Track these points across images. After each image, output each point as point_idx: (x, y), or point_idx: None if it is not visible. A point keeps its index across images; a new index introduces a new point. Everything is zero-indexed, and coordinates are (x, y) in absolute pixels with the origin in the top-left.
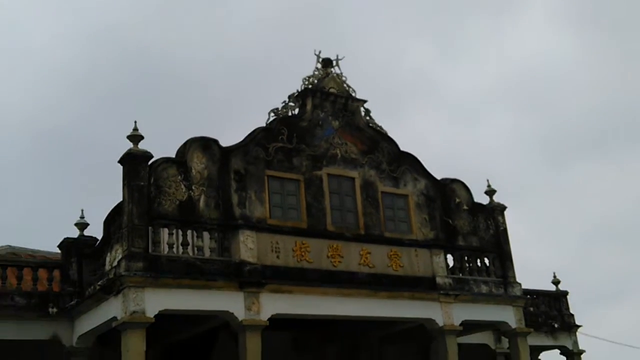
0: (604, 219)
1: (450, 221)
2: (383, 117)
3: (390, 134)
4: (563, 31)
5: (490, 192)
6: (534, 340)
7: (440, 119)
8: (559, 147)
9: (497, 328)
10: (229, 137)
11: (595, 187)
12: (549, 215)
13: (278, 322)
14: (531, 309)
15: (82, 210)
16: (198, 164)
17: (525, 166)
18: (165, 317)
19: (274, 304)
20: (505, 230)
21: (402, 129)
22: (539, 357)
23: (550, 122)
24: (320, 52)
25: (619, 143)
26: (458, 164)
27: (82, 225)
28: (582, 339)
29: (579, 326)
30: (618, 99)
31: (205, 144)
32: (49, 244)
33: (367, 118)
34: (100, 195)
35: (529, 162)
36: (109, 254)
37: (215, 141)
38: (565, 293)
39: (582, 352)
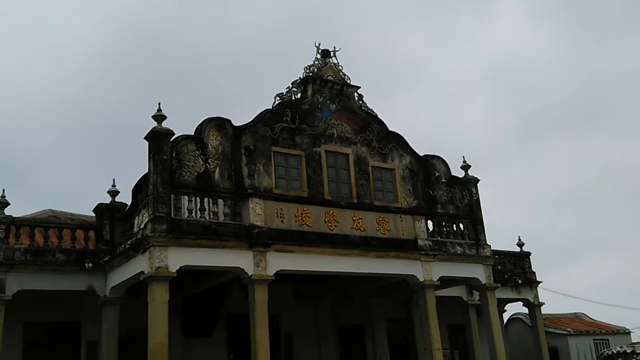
0: (567, 188)
1: (430, 192)
2: (376, 98)
3: (380, 116)
4: (539, 24)
5: (465, 167)
6: (501, 293)
7: (426, 101)
8: (529, 126)
9: (470, 283)
10: (241, 117)
11: (559, 160)
12: (519, 185)
13: (282, 277)
14: (499, 267)
15: (114, 180)
16: (213, 140)
17: (500, 143)
18: (186, 272)
19: (279, 262)
20: (477, 199)
21: (392, 109)
22: (505, 308)
23: (523, 105)
24: (320, 44)
25: (581, 121)
26: (441, 141)
27: (113, 193)
28: (542, 293)
29: (539, 282)
30: (583, 84)
31: (220, 124)
32: (85, 209)
33: (360, 102)
34: (129, 166)
35: (503, 139)
36: (136, 218)
37: (229, 121)
38: (528, 254)
39: (541, 304)
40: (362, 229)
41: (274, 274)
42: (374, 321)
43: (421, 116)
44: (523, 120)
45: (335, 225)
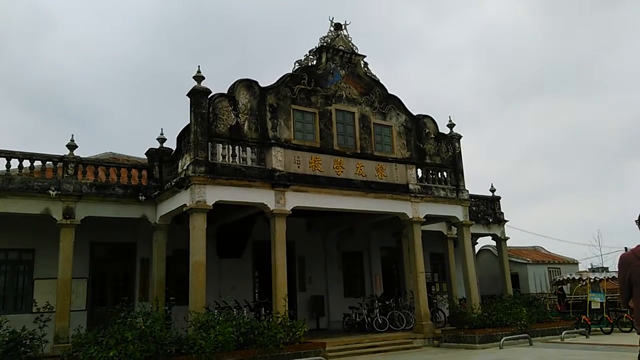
0: (538, 142)
1: (421, 145)
2: (381, 63)
3: (385, 78)
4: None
5: (450, 125)
6: (474, 229)
7: (425, 66)
8: (508, 89)
9: (449, 220)
10: (266, 80)
11: (532, 119)
12: (498, 139)
13: (297, 212)
14: (474, 208)
15: (162, 129)
16: (243, 98)
17: (483, 103)
18: (220, 206)
19: (295, 199)
20: (459, 153)
21: (396, 72)
22: (477, 241)
23: (506, 71)
24: (333, 18)
25: (553, 88)
26: (436, 99)
27: (161, 140)
28: (508, 230)
29: (506, 221)
30: (556, 54)
31: (249, 84)
32: (139, 152)
33: (365, 69)
34: (175, 118)
35: (486, 100)
36: (180, 161)
37: (256, 82)
38: (499, 198)
39: (507, 238)
40: (363, 175)
41: (291, 209)
42: (370, 249)
43: (420, 78)
44: (503, 85)
45: (342, 171)
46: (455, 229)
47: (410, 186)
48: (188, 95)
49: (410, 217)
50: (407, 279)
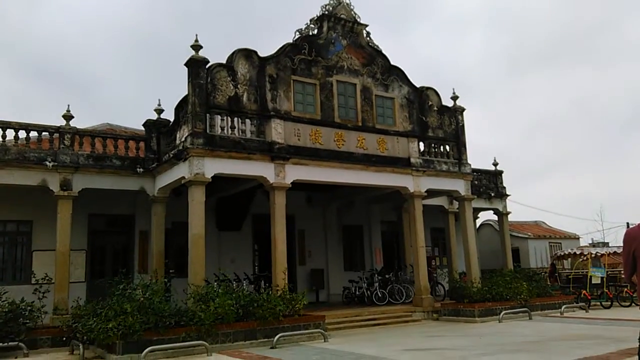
0: (545, 114)
1: (423, 118)
2: (387, 32)
3: (387, 50)
4: None
5: (454, 97)
6: (476, 203)
7: (434, 33)
8: (518, 60)
9: (451, 194)
10: (266, 49)
11: (541, 90)
12: (504, 110)
13: (297, 185)
14: (476, 182)
15: (159, 100)
16: (242, 69)
17: (490, 73)
18: (219, 178)
19: (295, 172)
20: (462, 126)
21: (404, 40)
22: (478, 216)
23: (516, 39)
24: None
25: (566, 54)
26: (443, 68)
27: (159, 111)
28: (510, 204)
29: (508, 195)
30: (566, 25)
31: (248, 54)
32: (136, 123)
33: (368, 39)
34: (173, 88)
35: (495, 71)
36: (178, 132)
37: (255, 52)
38: (501, 172)
39: (509, 213)
40: (364, 148)
41: (291, 183)
42: (371, 223)
43: (429, 46)
44: (511, 55)
45: (342, 144)
46: (457, 203)
47: (412, 160)
48: (186, 65)
49: (412, 191)
50: (408, 253)
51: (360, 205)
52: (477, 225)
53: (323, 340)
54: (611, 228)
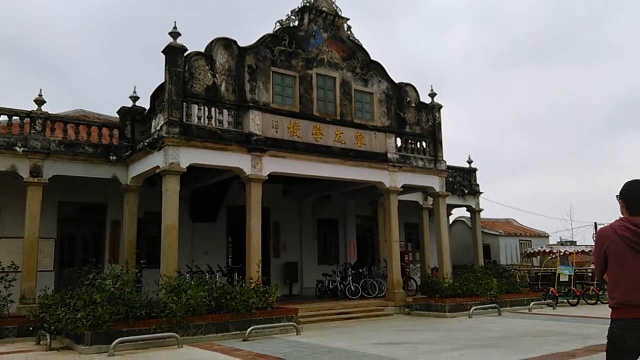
0: (521, 113)
1: (401, 114)
2: (375, 25)
3: (368, 45)
4: None
5: (432, 94)
6: (450, 200)
7: (419, 28)
8: (500, 57)
9: (426, 191)
10: (249, 39)
11: (521, 88)
12: (483, 107)
13: (274, 177)
14: (450, 179)
15: (135, 87)
16: (221, 58)
17: (474, 70)
18: (194, 169)
19: (272, 165)
20: (439, 123)
21: (389, 33)
22: (451, 212)
23: (497, 38)
24: None
25: (547, 51)
26: (427, 62)
27: (134, 98)
28: (483, 201)
29: (481, 192)
30: (548, 22)
31: (227, 43)
32: (110, 110)
33: (348, 33)
34: (149, 76)
35: (477, 68)
36: (154, 120)
37: (235, 42)
38: (475, 169)
39: (481, 210)
40: (342, 142)
41: (268, 175)
42: (346, 217)
43: (413, 41)
44: (493, 52)
45: (320, 137)
46: (431, 199)
47: (389, 155)
48: (163, 52)
49: (388, 186)
50: (381, 248)
51: (336, 199)
52: (450, 222)
53: (296, 334)
54: (580, 227)
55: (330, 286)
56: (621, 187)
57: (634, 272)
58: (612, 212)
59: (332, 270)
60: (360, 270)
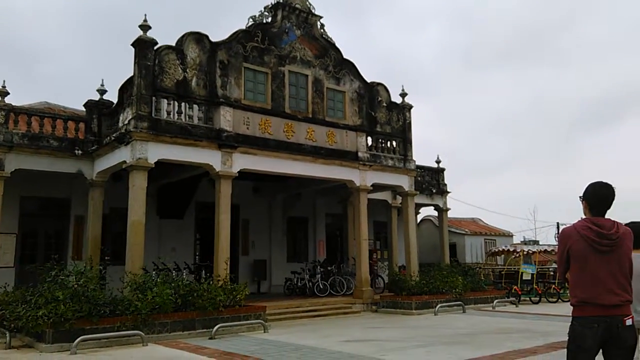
0: (497, 114)
1: (372, 113)
2: (345, 23)
3: (341, 43)
4: None
5: (403, 94)
6: (418, 199)
7: (393, 26)
8: (475, 58)
9: (395, 189)
10: (218, 35)
11: (495, 89)
12: (454, 108)
13: (244, 174)
14: (419, 178)
15: (102, 80)
16: (192, 52)
17: (447, 70)
18: (163, 164)
19: (243, 161)
20: (410, 123)
21: (364, 32)
22: (419, 211)
23: (472, 38)
24: None
25: (520, 58)
26: (395, 65)
27: (102, 91)
28: (450, 201)
29: (449, 192)
30: (525, 22)
31: (199, 38)
32: (77, 104)
33: (322, 30)
34: (118, 69)
35: (451, 67)
36: (121, 114)
37: (207, 36)
38: (443, 169)
39: (448, 209)
40: (314, 140)
41: (238, 172)
42: (316, 215)
43: (386, 40)
44: (469, 51)
45: (292, 135)
46: (400, 198)
47: (360, 154)
48: (133, 45)
49: (358, 184)
50: (350, 246)
51: (306, 197)
52: (418, 221)
53: (263, 331)
54: (542, 227)
55: (299, 284)
56: (585, 188)
57: (595, 271)
58: (574, 213)
59: (301, 268)
60: (329, 268)
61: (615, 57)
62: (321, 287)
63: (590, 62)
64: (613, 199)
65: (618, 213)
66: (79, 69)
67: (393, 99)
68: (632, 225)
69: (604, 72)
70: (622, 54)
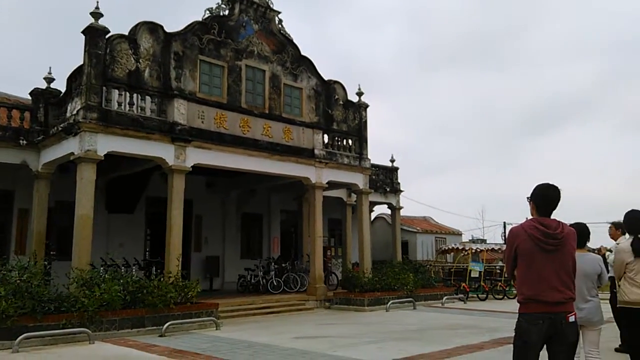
0: (449, 116)
1: (329, 111)
2: (304, 21)
3: (299, 40)
4: None
5: (359, 93)
6: (372, 197)
7: (351, 26)
8: (429, 59)
9: (350, 187)
10: (174, 26)
11: (445, 91)
12: (413, 108)
13: (198, 169)
14: (374, 177)
15: (50, 67)
16: (146, 42)
17: (404, 70)
18: (113, 157)
19: (197, 156)
20: (365, 122)
21: (323, 31)
22: (373, 209)
23: (427, 40)
24: None
25: (467, 62)
26: (352, 64)
27: (49, 80)
28: (403, 199)
29: (402, 191)
30: (477, 27)
31: (153, 28)
32: (22, 92)
33: (280, 26)
34: (67, 56)
35: (407, 67)
36: (70, 104)
37: (161, 26)
38: (397, 168)
39: (401, 207)
40: (270, 136)
41: (192, 166)
42: (271, 211)
43: (343, 39)
44: (423, 52)
45: (248, 130)
46: (355, 196)
47: (316, 151)
48: (83, 32)
49: (314, 182)
50: (305, 243)
51: (261, 194)
52: (372, 218)
53: (215, 329)
54: (490, 226)
55: (253, 281)
56: (532, 190)
57: (541, 270)
58: (520, 213)
59: (254, 265)
60: (283, 265)
61: (558, 66)
62: (275, 284)
63: (535, 68)
64: (559, 200)
65: (560, 211)
66: (26, 57)
67: (350, 98)
68: (576, 225)
69: (545, 79)
70: (564, 62)
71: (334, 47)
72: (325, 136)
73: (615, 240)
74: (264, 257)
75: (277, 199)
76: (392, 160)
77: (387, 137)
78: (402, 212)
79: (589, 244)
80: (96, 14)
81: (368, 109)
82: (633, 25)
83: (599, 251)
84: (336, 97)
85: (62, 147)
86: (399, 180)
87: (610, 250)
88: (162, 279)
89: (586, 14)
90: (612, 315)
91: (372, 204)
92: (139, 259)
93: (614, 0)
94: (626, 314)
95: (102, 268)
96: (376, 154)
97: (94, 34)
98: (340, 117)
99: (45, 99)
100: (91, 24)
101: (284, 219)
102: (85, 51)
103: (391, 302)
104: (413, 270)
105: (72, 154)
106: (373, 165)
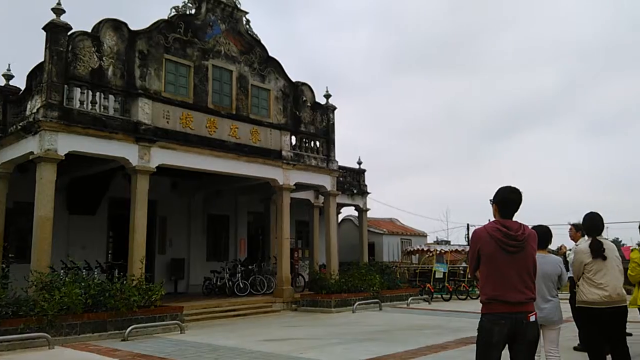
0: (416, 119)
1: (297, 113)
2: (273, 22)
3: (267, 41)
4: None
5: (327, 95)
6: (340, 199)
7: (321, 27)
8: (399, 62)
9: (317, 189)
10: (139, 24)
11: (413, 94)
12: (383, 111)
13: (162, 169)
14: (341, 179)
15: (9, 64)
16: (109, 40)
17: (374, 72)
18: (74, 156)
19: (161, 156)
20: (333, 124)
21: (293, 31)
22: (340, 211)
23: (395, 42)
24: None
25: (435, 65)
26: (321, 66)
27: (8, 77)
28: (370, 202)
29: (369, 193)
30: (445, 30)
31: (117, 25)
32: None
33: (247, 27)
34: (27, 54)
35: (378, 70)
36: (30, 102)
37: (125, 24)
38: (364, 170)
39: (368, 209)
40: (237, 137)
41: (156, 167)
42: (237, 213)
43: (313, 41)
44: (394, 55)
45: (214, 131)
46: (322, 197)
47: (284, 153)
48: (44, 29)
49: (281, 183)
50: (272, 244)
51: (227, 195)
52: (339, 220)
53: (180, 332)
54: (454, 228)
55: (219, 283)
56: (495, 192)
57: (503, 270)
58: (483, 215)
59: (221, 267)
60: (250, 267)
61: (523, 71)
62: (241, 286)
63: (499, 74)
64: (520, 203)
65: (522, 213)
66: None
67: (318, 100)
68: (538, 228)
69: (510, 84)
70: (530, 67)
71: (302, 48)
72: (293, 138)
73: (576, 242)
74: (231, 259)
75: (244, 201)
76: (360, 163)
77: (356, 139)
78: (369, 214)
79: (550, 246)
80: (58, 10)
81: (336, 111)
82: (596, 32)
83: (559, 250)
84: (304, 98)
85: (20, 147)
86: (366, 183)
87: (571, 250)
88: (125, 282)
89: (551, 22)
90: (571, 314)
91: (340, 205)
92: (102, 262)
93: (580, 9)
94: (584, 314)
95: (62, 271)
96: (345, 156)
97: (56, 31)
98: (308, 119)
99: (3, 96)
100: (52, 20)
101: (251, 220)
102: (46, 48)
103: (358, 303)
104: (379, 271)
105: (32, 153)
106: (341, 167)
